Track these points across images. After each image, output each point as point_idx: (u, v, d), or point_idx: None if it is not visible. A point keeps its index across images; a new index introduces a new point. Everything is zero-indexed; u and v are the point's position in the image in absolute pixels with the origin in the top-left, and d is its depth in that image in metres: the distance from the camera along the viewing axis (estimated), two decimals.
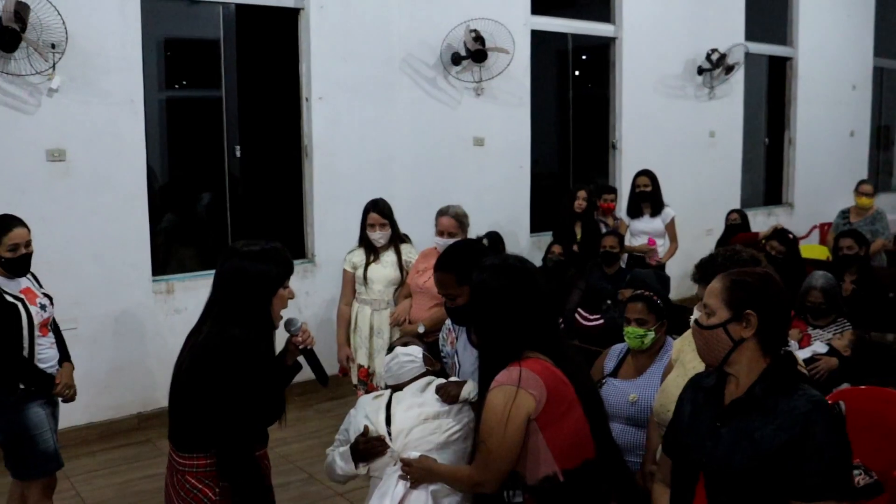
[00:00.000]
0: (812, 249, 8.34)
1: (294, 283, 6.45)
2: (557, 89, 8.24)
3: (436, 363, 2.96)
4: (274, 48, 6.31)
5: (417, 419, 2.63)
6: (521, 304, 2.30)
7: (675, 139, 8.65)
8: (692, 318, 2.16)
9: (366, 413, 2.74)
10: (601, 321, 5.67)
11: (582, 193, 6.67)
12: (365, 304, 4.77)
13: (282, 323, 2.64)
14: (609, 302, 5.77)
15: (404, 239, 4.87)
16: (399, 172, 6.61)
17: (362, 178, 6.40)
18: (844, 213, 7.55)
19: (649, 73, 8.41)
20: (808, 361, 4.47)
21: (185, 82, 6.41)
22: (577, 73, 8.24)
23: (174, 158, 6.18)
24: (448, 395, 2.65)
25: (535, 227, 7.65)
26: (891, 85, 11.79)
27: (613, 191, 7.32)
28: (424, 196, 6.52)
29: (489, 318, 2.33)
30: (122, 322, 5.47)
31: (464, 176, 7.00)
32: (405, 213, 5.64)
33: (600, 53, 8.26)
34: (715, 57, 8.58)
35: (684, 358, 2.70)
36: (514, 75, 7.09)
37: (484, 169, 7.16)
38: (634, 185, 6.80)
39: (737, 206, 9.13)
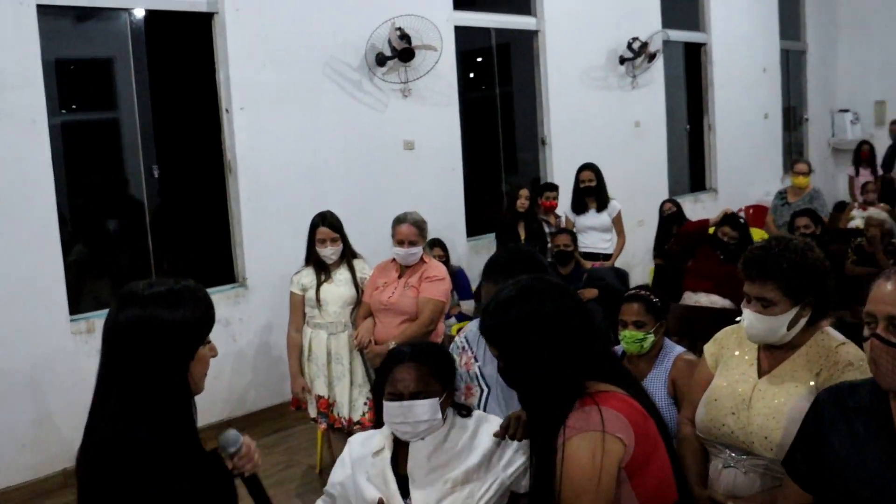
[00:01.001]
0: (754, 234, 8.32)
1: (225, 309, 5.90)
2: (484, 87, 7.97)
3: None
4: (188, 57, 5.81)
5: (444, 489, 2.16)
6: (574, 325, 1.92)
7: (603, 131, 8.49)
8: (865, 332, 1.75)
9: (367, 475, 2.28)
10: None
11: (524, 192, 6.40)
12: (319, 329, 4.35)
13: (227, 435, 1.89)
14: None
15: (356, 254, 4.47)
16: (329, 183, 6.19)
17: (291, 191, 5.97)
18: (782, 194, 7.53)
19: (573, 65, 8.23)
20: None
21: (91, 101, 5.82)
22: (501, 69, 7.98)
23: (82, 184, 5.58)
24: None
25: (471, 230, 7.36)
26: (796, 66, 12.01)
27: (555, 188, 7.08)
28: (358, 206, 6.15)
29: (541, 351, 1.88)
30: (39, 370, 4.88)
31: (396, 182, 6.63)
32: None
33: (524, 48, 8.03)
34: (636, 45, 8.47)
35: (728, 362, 2.40)
36: (440, 74, 6.76)
37: (416, 173, 6.81)
38: (578, 180, 6.56)
39: (665, 195, 9.08)
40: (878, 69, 11.99)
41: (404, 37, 6.21)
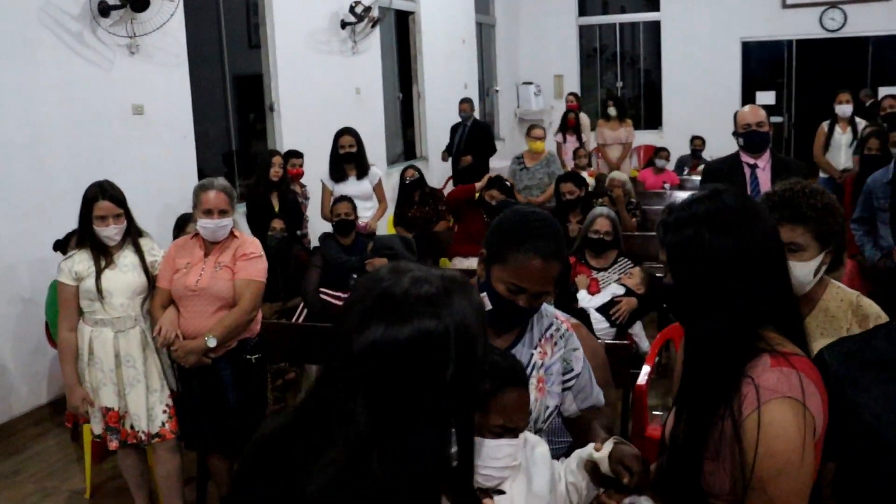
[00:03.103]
0: None
1: None
2: (213, 50, 7.23)
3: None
4: None
5: None
6: (775, 256, 1.58)
7: (328, 97, 8.15)
8: None
9: None
10: None
11: (277, 160, 5.86)
12: (102, 326, 3.54)
13: None
14: (355, 276, 5.14)
15: (141, 232, 3.71)
16: (51, 153, 5.18)
17: (6, 165, 4.90)
18: (519, 159, 7.73)
19: (300, 29, 7.77)
20: (608, 305, 4.38)
21: None
22: (230, 32, 7.29)
23: None
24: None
25: None
26: (487, 39, 12.55)
27: (300, 155, 6.61)
28: (85, 178, 5.18)
29: (722, 288, 1.52)
30: None
31: (125, 151, 5.74)
32: (62, 200, 4.75)
33: (253, 9, 7.41)
34: (359, 10, 8.21)
35: None
36: (169, 30, 5.94)
37: (146, 141, 5.96)
38: (337, 146, 6.16)
39: (384, 163, 9.04)
40: (556, 44, 12.97)
41: None
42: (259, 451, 1.25)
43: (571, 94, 11.04)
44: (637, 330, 4.70)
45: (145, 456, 3.91)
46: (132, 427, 3.60)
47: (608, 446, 1.75)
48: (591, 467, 1.79)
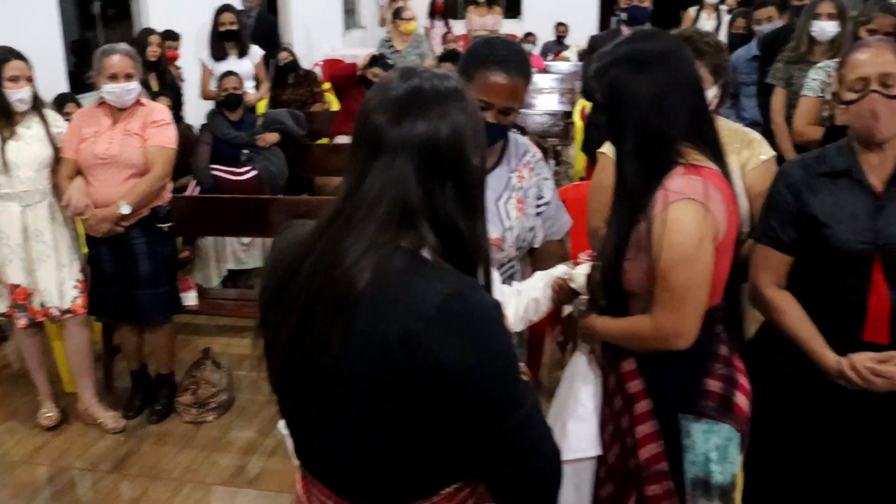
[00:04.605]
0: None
1: None
2: None
3: None
4: None
5: None
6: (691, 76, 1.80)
7: None
8: (852, 96, 1.99)
9: None
10: (255, 172, 5.04)
11: (154, 38, 5.62)
12: (8, 200, 3.42)
13: None
14: (246, 152, 5.12)
15: (42, 101, 3.57)
16: None
17: None
18: (387, 42, 7.64)
19: None
20: None
21: None
22: None
23: None
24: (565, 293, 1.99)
25: (78, 88, 6.29)
26: None
27: (176, 37, 6.35)
28: None
29: (653, 93, 1.75)
30: None
31: None
32: None
33: None
34: None
35: None
36: None
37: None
38: (217, 23, 5.96)
39: None
40: None
41: None
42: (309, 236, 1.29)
43: None
44: None
45: (45, 335, 3.88)
46: (42, 304, 3.56)
47: (585, 266, 1.97)
48: (559, 285, 2.00)
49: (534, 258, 2.34)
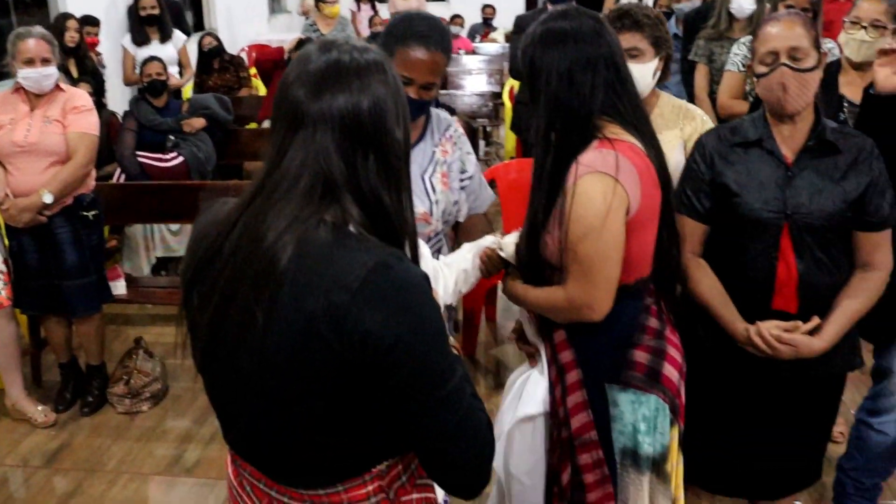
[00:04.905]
0: None
1: None
2: None
3: None
4: None
5: None
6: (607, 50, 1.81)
7: None
8: (762, 70, 2.05)
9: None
10: (182, 158, 4.95)
11: (72, 24, 5.46)
12: None
13: None
14: (173, 138, 5.03)
15: None
16: None
17: None
18: (312, 26, 7.57)
19: None
20: None
21: None
22: None
23: None
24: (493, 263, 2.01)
25: None
26: None
27: (96, 23, 6.18)
28: None
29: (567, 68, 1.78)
30: None
31: None
32: None
33: None
34: None
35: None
36: None
37: None
38: (138, 7, 5.83)
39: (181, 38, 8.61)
40: None
41: None
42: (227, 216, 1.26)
43: None
44: None
45: None
46: None
47: (514, 235, 2.00)
48: (487, 255, 2.02)
49: (458, 232, 2.38)
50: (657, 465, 1.93)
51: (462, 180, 2.30)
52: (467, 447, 1.24)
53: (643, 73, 2.31)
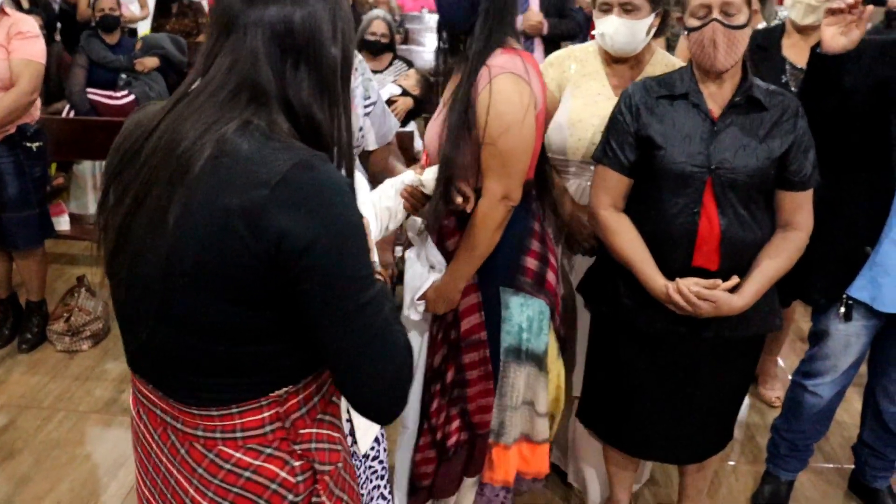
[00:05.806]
0: None
1: None
2: None
3: None
4: None
5: None
6: None
7: None
8: (695, 23, 1.98)
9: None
10: (133, 97, 4.83)
11: None
12: None
13: None
14: (124, 76, 4.90)
15: None
16: None
17: None
18: None
19: None
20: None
21: None
22: None
23: None
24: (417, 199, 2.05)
25: None
26: None
27: None
28: None
29: None
30: None
31: None
32: None
33: None
34: None
35: (578, 83, 2.40)
36: None
37: None
38: None
39: None
40: None
41: None
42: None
43: None
44: (412, 128, 4.93)
45: None
46: None
47: (433, 170, 1.98)
48: (409, 192, 2.02)
49: (369, 163, 2.41)
50: (539, 360, 2.12)
51: (366, 107, 2.31)
52: (382, 365, 1.19)
53: (636, 28, 2.24)
